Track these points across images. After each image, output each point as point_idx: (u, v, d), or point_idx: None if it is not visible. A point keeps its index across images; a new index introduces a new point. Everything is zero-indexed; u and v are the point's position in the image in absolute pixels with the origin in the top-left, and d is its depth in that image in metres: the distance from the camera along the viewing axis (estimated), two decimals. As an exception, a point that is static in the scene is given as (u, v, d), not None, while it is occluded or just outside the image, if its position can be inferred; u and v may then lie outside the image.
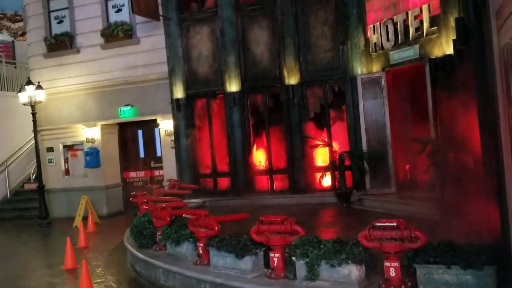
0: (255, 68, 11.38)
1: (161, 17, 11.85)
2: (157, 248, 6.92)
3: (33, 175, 15.04)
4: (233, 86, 11.42)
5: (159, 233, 6.87)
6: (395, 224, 4.40)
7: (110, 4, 13.31)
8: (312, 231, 7.28)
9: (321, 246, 4.75)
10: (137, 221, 7.44)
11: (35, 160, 13.71)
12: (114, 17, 13.20)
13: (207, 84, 11.73)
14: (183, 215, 6.46)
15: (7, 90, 16.21)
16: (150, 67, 12.59)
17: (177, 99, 11.85)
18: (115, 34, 12.91)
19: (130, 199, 8.99)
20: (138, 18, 12.45)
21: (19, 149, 15.74)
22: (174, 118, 11.97)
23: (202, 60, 11.77)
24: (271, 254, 5.14)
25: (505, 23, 3.29)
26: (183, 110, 11.85)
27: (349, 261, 4.54)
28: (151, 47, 12.62)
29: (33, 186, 14.25)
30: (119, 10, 13.20)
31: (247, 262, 5.27)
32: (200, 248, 5.90)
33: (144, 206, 7.56)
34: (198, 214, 6.00)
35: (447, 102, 7.91)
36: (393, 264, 4.41)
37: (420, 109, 9.20)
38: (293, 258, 4.89)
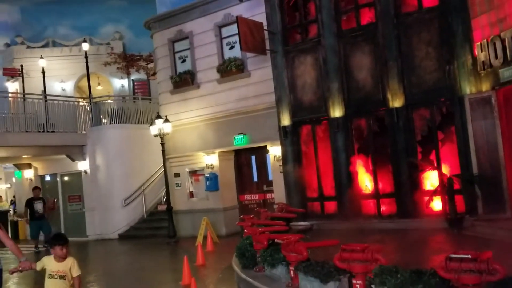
0: (358, 93, 11.51)
1: (267, 51, 12.71)
2: (257, 269, 7.51)
3: (163, 197, 16.90)
4: (337, 112, 11.70)
5: (258, 256, 7.47)
6: (470, 256, 4.36)
7: (224, 42, 14.66)
8: (417, 258, 7.20)
9: (399, 276, 4.85)
10: (241, 243, 8.16)
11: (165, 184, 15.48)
12: (228, 54, 14.50)
13: (312, 111, 12.18)
14: (275, 240, 6.95)
15: (143, 123, 18.48)
16: (260, 98, 13.53)
17: (284, 126, 12.50)
18: (229, 69, 14.18)
19: (236, 223, 9.74)
20: (248, 53, 13.52)
21: (153, 175, 17.89)
22: (282, 144, 12.61)
23: (306, 88, 12.28)
24: (354, 281, 5.36)
25: None
26: (289, 137, 12.44)
27: (426, 292, 4.59)
28: (260, 79, 13.59)
29: (164, 207, 15.99)
30: (232, 47, 14.46)
31: None
32: (291, 271, 6.34)
33: (245, 230, 8.24)
34: (289, 240, 6.45)
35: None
36: (472, 297, 4.36)
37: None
38: (372, 286, 5.07)
